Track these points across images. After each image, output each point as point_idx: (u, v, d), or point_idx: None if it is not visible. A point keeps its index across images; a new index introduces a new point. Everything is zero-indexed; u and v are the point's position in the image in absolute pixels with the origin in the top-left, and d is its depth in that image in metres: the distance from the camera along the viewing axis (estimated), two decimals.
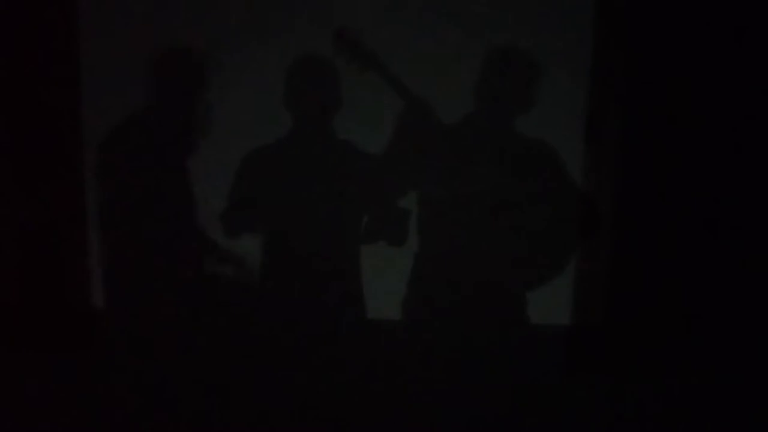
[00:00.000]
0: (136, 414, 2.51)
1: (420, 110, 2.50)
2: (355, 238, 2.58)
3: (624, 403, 2.49)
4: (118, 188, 2.55)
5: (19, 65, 2.56)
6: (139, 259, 2.54)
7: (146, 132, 2.56)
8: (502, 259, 2.57)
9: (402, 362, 2.50)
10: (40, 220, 2.55)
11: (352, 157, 2.55)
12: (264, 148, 2.57)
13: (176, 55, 2.52)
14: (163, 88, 2.52)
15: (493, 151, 2.54)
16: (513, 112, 2.53)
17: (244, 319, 2.54)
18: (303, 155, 2.52)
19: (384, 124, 2.54)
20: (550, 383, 2.49)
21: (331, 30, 2.48)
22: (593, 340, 2.54)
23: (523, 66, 2.50)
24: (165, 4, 2.64)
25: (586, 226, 2.56)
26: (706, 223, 2.39)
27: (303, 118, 2.54)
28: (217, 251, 2.65)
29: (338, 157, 2.54)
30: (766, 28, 2.32)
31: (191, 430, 2.52)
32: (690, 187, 2.38)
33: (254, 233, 2.58)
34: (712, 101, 2.36)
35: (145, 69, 2.51)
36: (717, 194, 2.38)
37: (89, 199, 2.63)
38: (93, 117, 2.67)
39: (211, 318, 2.55)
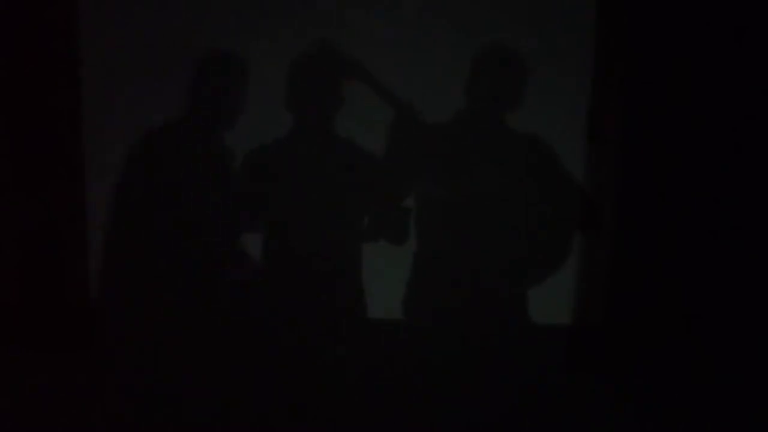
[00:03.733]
0: (136, 414, 2.51)
1: (408, 114, 2.52)
2: (355, 238, 2.57)
3: (624, 403, 2.49)
4: (117, 187, 2.55)
5: (19, 65, 2.56)
6: (140, 259, 2.54)
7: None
8: (502, 258, 2.57)
9: (402, 362, 2.50)
10: (40, 220, 2.55)
11: (352, 156, 2.55)
12: (264, 148, 2.57)
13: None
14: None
15: (493, 151, 2.54)
16: (507, 110, 2.53)
17: (244, 319, 2.54)
18: (303, 155, 2.52)
19: (384, 124, 2.54)
20: (550, 383, 2.49)
21: (331, 29, 2.49)
22: (593, 340, 2.54)
23: (514, 62, 2.51)
24: (165, 4, 2.64)
25: (586, 226, 2.57)
26: (706, 222, 2.39)
27: (303, 118, 2.54)
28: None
29: (338, 156, 2.54)
30: (766, 28, 2.32)
31: (191, 430, 2.52)
32: (690, 187, 2.38)
33: (255, 233, 2.58)
34: (712, 101, 2.36)
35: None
36: (717, 194, 2.38)
37: (89, 199, 2.64)
38: (93, 117, 2.67)
39: (212, 318, 2.55)
